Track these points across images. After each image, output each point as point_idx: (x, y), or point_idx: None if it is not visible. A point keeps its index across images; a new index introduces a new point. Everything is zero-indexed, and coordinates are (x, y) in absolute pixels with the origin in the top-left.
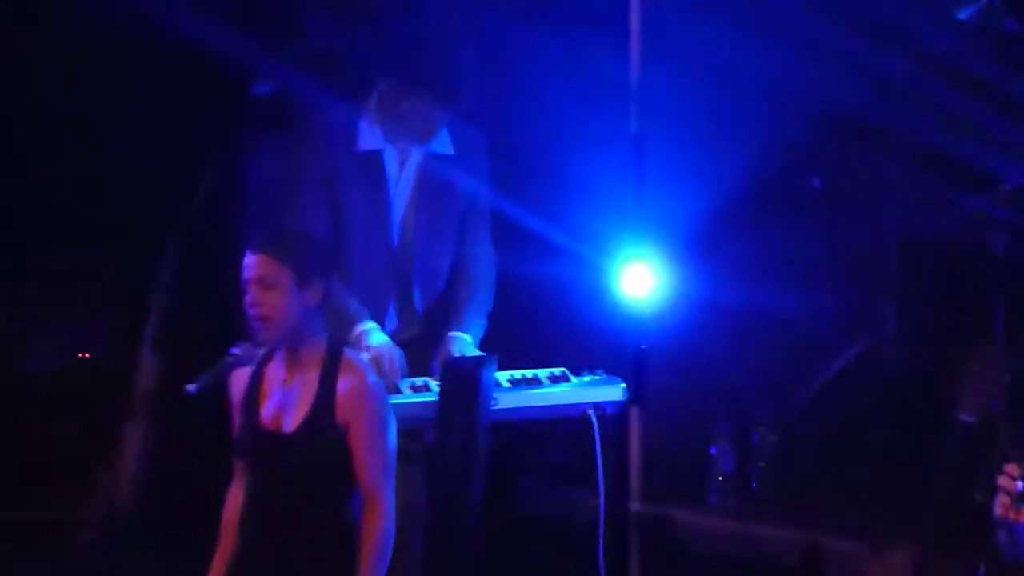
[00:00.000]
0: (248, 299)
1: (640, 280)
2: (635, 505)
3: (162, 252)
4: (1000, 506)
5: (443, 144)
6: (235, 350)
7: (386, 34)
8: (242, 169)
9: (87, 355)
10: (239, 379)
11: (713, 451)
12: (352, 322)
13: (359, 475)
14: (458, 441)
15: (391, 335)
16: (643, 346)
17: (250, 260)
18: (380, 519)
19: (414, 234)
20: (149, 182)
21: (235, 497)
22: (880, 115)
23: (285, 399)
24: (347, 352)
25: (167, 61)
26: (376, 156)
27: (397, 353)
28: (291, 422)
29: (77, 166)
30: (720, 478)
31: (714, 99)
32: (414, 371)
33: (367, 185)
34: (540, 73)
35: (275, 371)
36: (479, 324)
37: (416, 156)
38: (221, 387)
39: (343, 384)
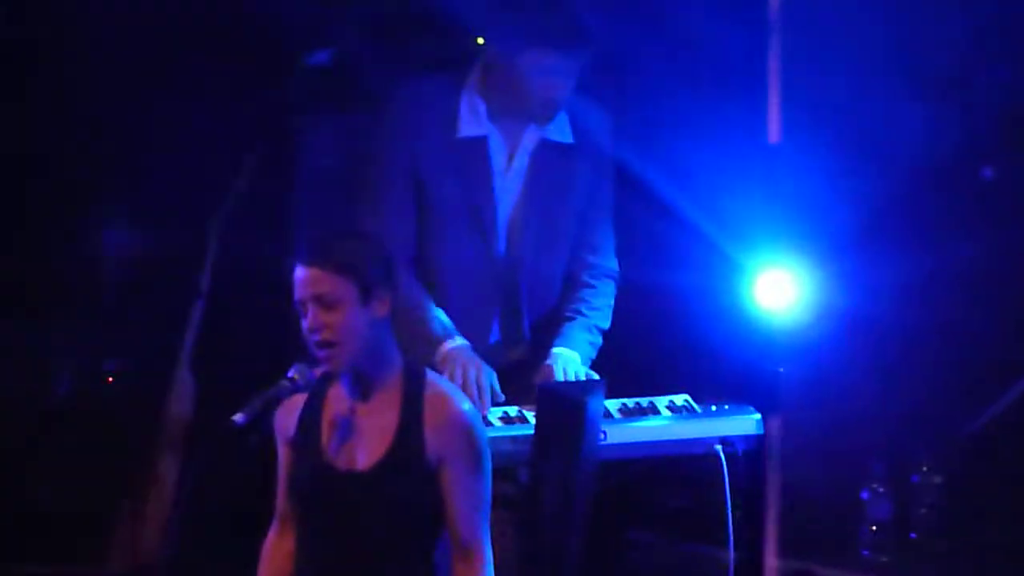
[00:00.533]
0: (308, 322)
1: (779, 290)
2: (772, 560)
3: (198, 254)
4: None
5: (561, 130)
6: (292, 372)
7: None
8: (291, 154)
9: (110, 379)
10: (289, 409)
11: (865, 495)
12: (439, 340)
13: (452, 520)
14: (557, 483)
15: (492, 359)
16: (781, 369)
17: (304, 275)
18: (478, 573)
19: (523, 238)
20: (180, 170)
21: (278, 550)
22: None
23: (356, 431)
24: (430, 374)
25: (194, 25)
26: (480, 144)
27: (487, 375)
28: (366, 458)
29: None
30: (873, 528)
31: (867, 85)
32: (516, 401)
33: (468, 180)
34: (668, 59)
35: (338, 399)
36: (589, 343)
37: (528, 142)
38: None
39: (432, 412)
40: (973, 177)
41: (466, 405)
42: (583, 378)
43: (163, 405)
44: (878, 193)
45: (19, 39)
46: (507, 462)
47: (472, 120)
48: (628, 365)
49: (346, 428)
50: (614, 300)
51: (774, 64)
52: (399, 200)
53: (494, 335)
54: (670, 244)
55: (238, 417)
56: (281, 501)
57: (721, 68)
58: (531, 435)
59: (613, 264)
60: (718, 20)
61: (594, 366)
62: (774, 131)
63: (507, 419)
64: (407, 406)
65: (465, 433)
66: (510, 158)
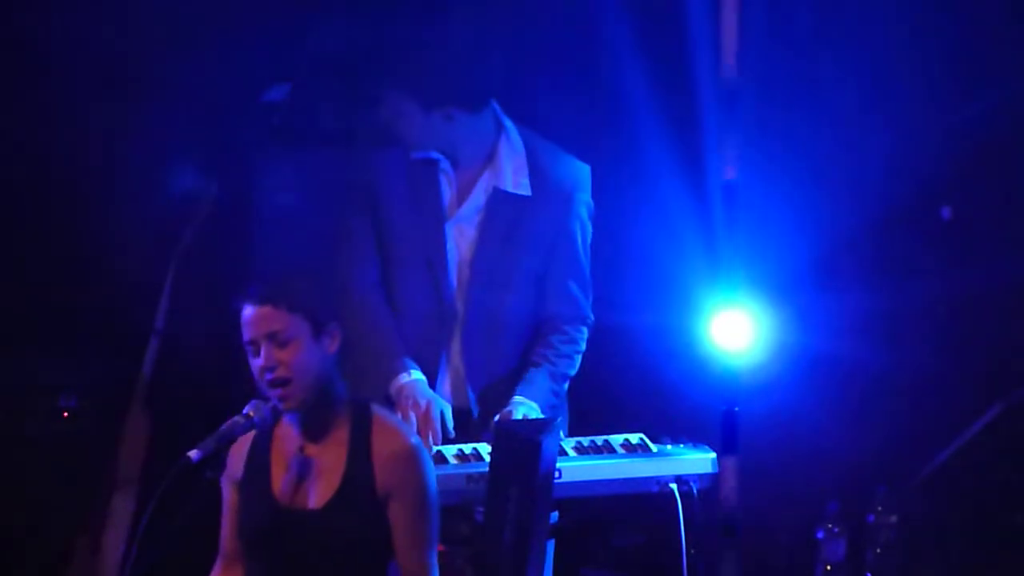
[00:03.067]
0: (261, 361)
1: (735, 329)
2: None
3: (154, 291)
4: None
5: (518, 181)
6: (247, 409)
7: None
8: (251, 187)
9: (65, 413)
10: (237, 449)
11: (820, 535)
12: (396, 371)
13: (401, 554)
14: (512, 521)
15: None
16: (736, 408)
17: (254, 314)
18: None
19: (470, 279)
20: (137, 207)
21: None
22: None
23: (305, 470)
24: (377, 409)
25: (163, 65)
26: (431, 167)
27: (437, 408)
28: (317, 497)
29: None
30: (828, 568)
31: (825, 122)
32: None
33: (417, 204)
34: (622, 95)
35: (287, 437)
36: (552, 391)
37: (481, 190)
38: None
39: (380, 447)
40: (933, 216)
41: (413, 439)
42: None
43: (119, 441)
44: (836, 232)
45: None
46: (462, 500)
47: (422, 144)
48: (584, 404)
49: (296, 467)
50: (585, 346)
51: (729, 100)
52: (360, 224)
53: (441, 377)
54: (626, 283)
55: (193, 453)
56: (226, 540)
57: (676, 105)
58: (486, 473)
59: (587, 311)
60: (673, 55)
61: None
62: (731, 168)
63: (462, 456)
64: (355, 442)
65: (413, 467)
66: (461, 196)
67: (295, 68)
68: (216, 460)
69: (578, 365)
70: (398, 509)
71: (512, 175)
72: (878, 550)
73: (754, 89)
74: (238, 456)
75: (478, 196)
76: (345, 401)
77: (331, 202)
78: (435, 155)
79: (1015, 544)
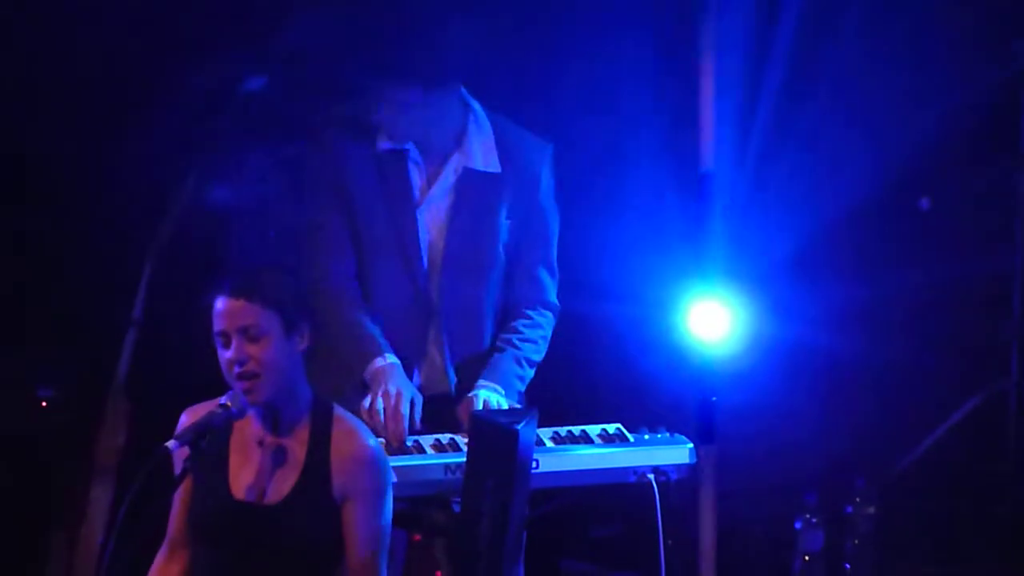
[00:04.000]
0: (231, 354)
1: (711, 320)
2: None
3: (133, 282)
4: None
5: (488, 159)
6: (224, 399)
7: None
8: (227, 179)
9: (44, 403)
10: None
11: (798, 525)
12: (371, 355)
13: (350, 552)
14: (490, 511)
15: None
16: (714, 399)
17: (227, 306)
18: None
19: (443, 262)
20: (114, 199)
21: (165, 575)
22: (998, 123)
23: (264, 465)
24: (338, 409)
25: (139, 58)
26: (399, 157)
27: (407, 399)
28: (274, 492)
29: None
30: (806, 558)
31: (802, 114)
32: (437, 430)
33: (387, 194)
34: (599, 86)
35: (247, 431)
36: (517, 376)
37: (451, 169)
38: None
39: (339, 448)
40: (911, 208)
41: (372, 441)
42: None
43: (97, 432)
44: (814, 223)
45: None
46: (439, 490)
47: (390, 134)
48: (561, 394)
49: (256, 461)
50: (551, 332)
51: (706, 92)
52: (334, 222)
53: (422, 362)
54: (604, 274)
55: (171, 444)
56: (175, 527)
57: (653, 96)
58: (463, 463)
59: (552, 297)
60: (648, 47)
61: (527, 394)
62: (707, 159)
63: (439, 447)
64: (315, 441)
65: (370, 470)
66: (430, 180)
67: (271, 60)
68: (195, 451)
69: (544, 351)
70: (352, 511)
71: (481, 154)
72: (856, 541)
73: (733, 81)
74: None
75: (448, 177)
76: (309, 400)
77: (306, 195)
78: (404, 145)
79: (991, 535)
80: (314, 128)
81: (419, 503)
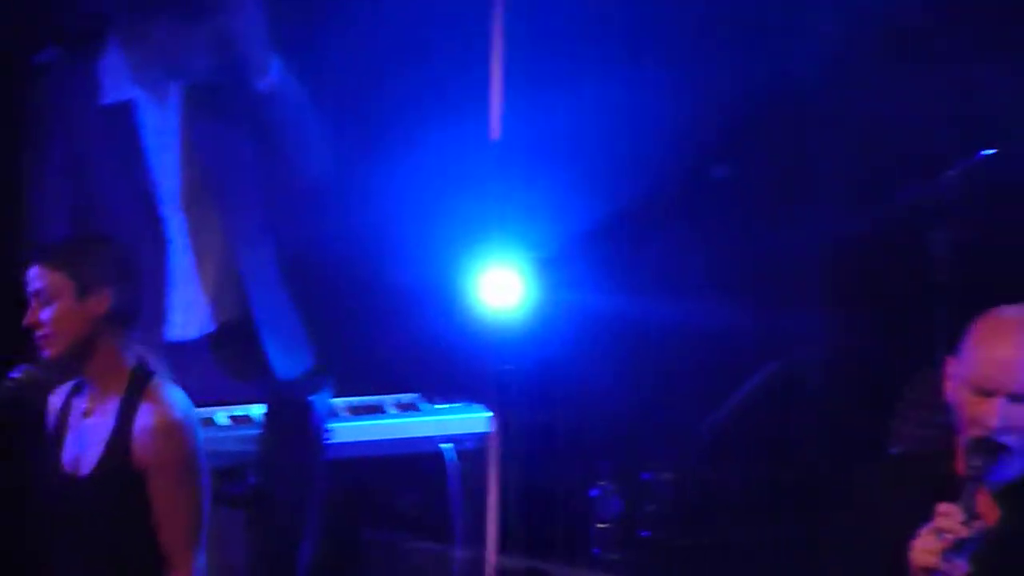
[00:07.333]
0: (27, 316)
1: (504, 288)
2: (500, 558)
3: None
4: (925, 553)
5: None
6: (16, 373)
7: None
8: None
9: None
10: (51, 412)
11: (595, 493)
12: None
13: (161, 532)
14: (287, 482)
15: (182, 346)
16: (509, 367)
17: (29, 273)
18: None
19: (185, 203)
20: None
21: None
22: (801, 96)
23: (83, 436)
24: (157, 379)
25: None
26: (124, 109)
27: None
28: (86, 464)
29: None
30: (602, 525)
31: (595, 81)
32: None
33: (116, 149)
34: (387, 55)
35: (80, 401)
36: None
37: (175, 96)
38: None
39: (142, 417)
40: (704, 175)
41: (178, 413)
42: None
43: None
44: (609, 191)
45: None
46: (234, 462)
47: (114, 86)
48: (357, 364)
49: (78, 432)
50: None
51: (496, 59)
52: (54, 193)
53: (172, 321)
54: (395, 242)
55: None
56: None
57: (442, 63)
58: (258, 434)
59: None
60: (438, 14)
61: (322, 365)
62: (496, 127)
63: (235, 419)
64: (123, 412)
65: (171, 443)
66: (164, 117)
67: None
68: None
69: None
70: (155, 486)
71: (205, 72)
72: (652, 507)
73: (522, 48)
74: (50, 420)
75: (174, 106)
76: (126, 368)
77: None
78: (126, 95)
79: (787, 500)
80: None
81: (215, 476)
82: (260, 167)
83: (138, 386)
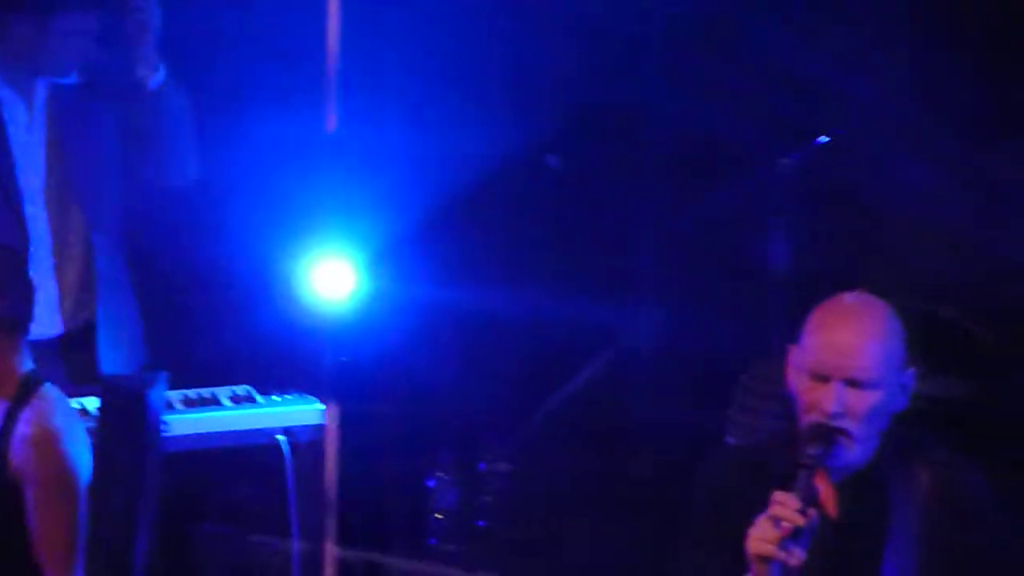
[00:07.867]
0: None
1: (338, 279)
2: (335, 550)
3: None
4: (761, 542)
5: (82, 68)
6: None
7: None
8: None
9: None
10: None
11: (431, 484)
12: None
13: (38, 547)
14: (121, 476)
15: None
16: (343, 359)
17: None
18: None
19: (48, 200)
20: None
21: None
22: (632, 85)
23: None
24: (47, 388)
25: None
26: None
27: None
28: None
29: None
30: (439, 516)
31: (429, 76)
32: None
33: None
34: (224, 42)
35: None
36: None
37: (41, 94)
38: None
39: (21, 426)
40: (537, 166)
41: (56, 421)
42: None
43: None
44: (442, 182)
45: None
46: None
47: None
48: (191, 355)
49: None
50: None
51: (331, 51)
52: None
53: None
54: (229, 233)
55: None
56: None
57: (278, 54)
58: (93, 428)
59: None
60: (274, 5)
61: (156, 357)
62: (332, 119)
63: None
64: (6, 419)
65: (46, 454)
66: (28, 115)
67: None
68: None
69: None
70: (30, 497)
71: (87, 68)
72: (489, 498)
73: (358, 40)
74: None
75: (40, 104)
76: (19, 374)
77: None
78: None
79: (623, 492)
80: None
81: None
82: (124, 166)
83: (24, 393)
